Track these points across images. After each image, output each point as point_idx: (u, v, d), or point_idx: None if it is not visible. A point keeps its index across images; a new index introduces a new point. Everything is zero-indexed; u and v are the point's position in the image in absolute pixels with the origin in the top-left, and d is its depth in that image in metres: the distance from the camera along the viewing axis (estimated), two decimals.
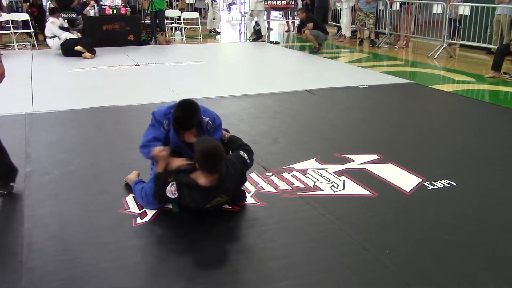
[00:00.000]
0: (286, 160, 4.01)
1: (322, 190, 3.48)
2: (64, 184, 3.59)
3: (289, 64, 9.63)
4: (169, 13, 12.39)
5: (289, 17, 15.41)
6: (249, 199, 3.31)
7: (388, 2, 11.49)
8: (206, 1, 14.53)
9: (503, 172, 3.92)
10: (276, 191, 3.46)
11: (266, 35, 12.82)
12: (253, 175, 3.69)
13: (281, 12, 15.67)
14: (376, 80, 7.40)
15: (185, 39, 12.15)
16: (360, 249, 2.74)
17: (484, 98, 6.77)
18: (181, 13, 12.90)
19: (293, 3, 14.45)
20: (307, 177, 3.69)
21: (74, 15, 11.34)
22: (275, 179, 3.65)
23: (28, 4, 11.51)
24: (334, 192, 3.46)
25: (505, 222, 3.09)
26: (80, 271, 2.51)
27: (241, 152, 3.17)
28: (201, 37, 12.29)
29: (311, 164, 3.95)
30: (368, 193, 3.44)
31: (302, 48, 11.46)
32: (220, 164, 2.91)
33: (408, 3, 11.11)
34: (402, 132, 4.98)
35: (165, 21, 11.96)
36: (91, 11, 10.60)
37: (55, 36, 9.41)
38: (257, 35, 12.85)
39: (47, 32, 9.51)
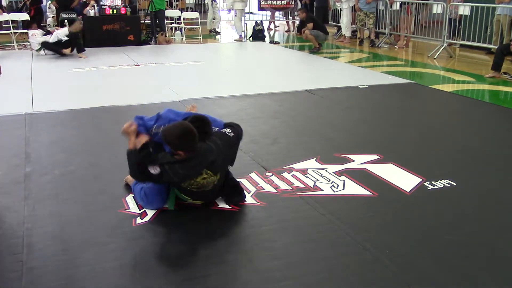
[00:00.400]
0: (286, 160, 4.01)
1: (322, 190, 3.48)
2: (64, 184, 3.59)
3: (289, 64, 9.63)
4: (169, 13, 12.39)
5: (289, 17, 15.40)
6: (249, 199, 3.31)
7: (388, 2, 11.49)
8: (206, 1, 14.52)
9: (503, 172, 3.92)
10: (276, 191, 3.46)
11: (243, 35, 12.86)
12: (253, 175, 3.69)
13: (281, 12, 15.67)
14: (376, 80, 7.40)
15: (185, 39, 12.15)
16: (360, 249, 2.74)
17: (484, 98, 6.77)
18: (181, 13, 12.90)
19: (293, 3, 14.45)
20: (307, 177, 3.69)
21: (74, 15, 11.33)
22: (275, 179, 3.65)
23: (29, 2, 11.53)
24: (334, 192, 3.46)
25: (505, 222, 3.09)
26: (80, 271, 2.51)
27: (223, 130, 3.18)
28: (201, 37, 12.29)
29: (311, 164, 3.95)
30: (368, 193, 3.44)
31: (302, 48, 11.46)
32: (196, 140, 2.89)
33: (408, 3, 11.11)
34: (402, 132, 4.98)
35: (165, 21, 11.96)
36: (91, 11, 10.61)
37: (42, 48, 9.29)
38: (257, 35, 12.85)
39: (34, 46, 9.38)
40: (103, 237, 2.85)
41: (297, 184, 3.57)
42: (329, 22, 13.76)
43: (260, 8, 14.84)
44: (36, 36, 9.29)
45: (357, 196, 3.41)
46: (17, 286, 2.40)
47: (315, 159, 4.05)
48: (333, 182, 3.61)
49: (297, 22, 14.38)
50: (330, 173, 3.76)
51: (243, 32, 12.80)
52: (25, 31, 10.71)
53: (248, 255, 2.73)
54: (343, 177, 3.68)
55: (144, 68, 8.30)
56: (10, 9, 12.49)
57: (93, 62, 8.78)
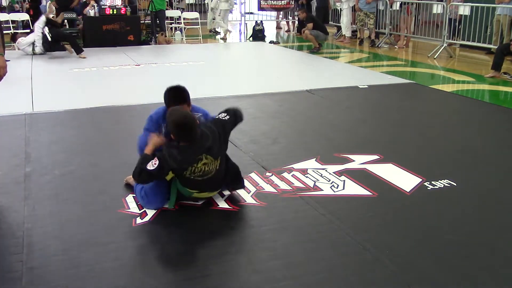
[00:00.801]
0: (286, 160, 4.01)
1: (322, 190, 3.48)
2: (64, 184, 3.59)
3: (289, 64, 9.63)
4: (169, 13, 12.40)
5: (289, 17, 15.41)
6: (249, 199, 3.31)
7: (388, 2, 11.49)
8: (206, 1, 14.53)
9: (503, 172, 3.91)
10: (276, 191, 3.46)
11: (227, 34, 12.95)
12: (253, 175, 3.69)
13: (281, 12, 15.69)
14: (376, 80, 7.40)
15: (185, 39, 12.15)
16: (360, 249, 2.74)
17: (484, 98, 6.77)
18: (181, 13, 12.90)
19: (293, 3, 14.46)
20: (307, 177, 3.69)
21: (74, 15, 11.34)
22: (275, 179, 3.65)
23: (28, 3, 11.53)
24: (334, 192, 3.46)
25: (505, 222, 3.08)
26: (80, 271, 2.51)
27: (218, 115, 3.28)
28: (201, 37, 12.29)
29: (311, 164, 3.95)
30: (368, 193, 3.44)
31: (302, 48, 11.46)
32: (194, 131, 2.97)
33: (408, 3, 11.11)
34: (402, 132, 4.98)
35: (165, 21, 11.96)
36: (91, 11, 10.61)
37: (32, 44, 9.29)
38: (257, 35, 12.85)
39: (26, 50, 9.34)
40: (103, 237, 2.85)
41: (297, 184, 3.57)
42: (329, 22, 13.76)
43: (260, 8, 14.87)
44: (22, 41, 9.30)
45: (357, 196, 3.41)
46: (17, 286, 2.40)
47: (315, 159, 4.05)
48: (333, 182, 3.61)
49: (297, 22, 14.39)
50: (330, 173, 3.76)
51: (228, 32, 12.86)
52: (25, 31, 10.73)
53: (248, 255, 2.73)
54: (343, 177, 3.68)
55: (144, 68, 8.30)
56: (10, 9, 12.49)
57: (93, 62, 8.78)
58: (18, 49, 9.31)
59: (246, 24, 14.88)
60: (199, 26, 12.44)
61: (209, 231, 2.95)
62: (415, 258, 2.66)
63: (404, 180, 3.65)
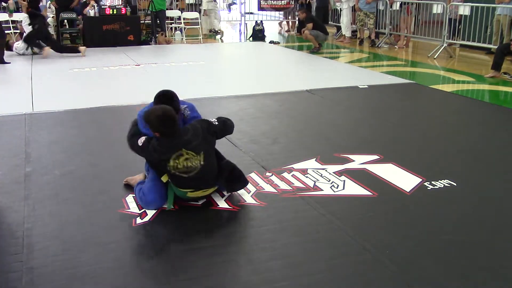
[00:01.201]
0: (286, 160, 4.01)
1: (322, 190, 3.48)
2: (64, 184, 3.59)
3: (289, 64, 9.63)
4: (169, 13, 12.39)
5: (289, 17, 15.41)
6: (249, 199, 3.31)
7: (388, 2, 11.49)
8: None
9: (503, 172, 3.91)
10: (276, 191, 3.46)
11: (220, 33, 13.07)
12: (253, 175, 3.69)
13: (281, 12, 15.68)
14: (376, 80, 7.40)
15: (185, 39, 12.15)
16: (360, 249, 2.74)
17: (484, 98, 6.77)
18: (181, 13, 12.90)
19: (293, 3, 14.45)
20: (307, 177, 3.69)
21: (74, 15, 11.34)
22: (275, 179, 3.65)
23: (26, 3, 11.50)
24: (334, 192, 3.46)
25: (505, 222, 3.08)
26: (80, 271, 2.51)
27: (209, 119, 3.27)
28: (201, 37, 12.29)
29: (311, 164, 3.95)
30: (368, 193, 3.44)
31: (302, 48, 11.46)
32: (175, 123, 3.02)
33: (408, 3, 11.11)
34: (402, 132, 4.98)
35: (165, 21, 11.96)
36: (91, 11, 10.61)
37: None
38: (257, 35, 12.85)
39: (21, 51, 9.37)
40: (103, 237, 2.85)
41: (297, 184, 3.57)
42: (329, 22, 13.76)
43: (260, 8, 14.86)
44: (18, 46, 9.31)
45: (357, 196, 3.41)
46: (17, 286, 2.40)
47: (315, 159, 4.05)
48: (333, 182, 3.61)
49: (297, 22, 14.39)
50: (330, 173, 3.76)
51: (217, 31, 12.93)
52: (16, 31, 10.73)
53: (248, 255, 2.72)
54: (343, 177, 3.68)
55: (144, 68, 8.30)
56: (29, 5, 12.46)
57: (93, 62, 8.78)
58: (18, 54, 9.29)
59: (246, 24, 14.88)
60: (199, 26, 12.44)
61: (209, 231, 2.95)
62: (415, 258, 2.65)
63: (404, 180, 3.65)
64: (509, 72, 7.86)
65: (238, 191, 3.36)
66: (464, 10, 10.07)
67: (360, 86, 6.91)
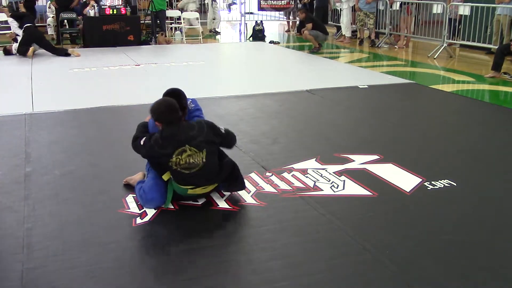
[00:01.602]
0: (286, 160, 4.01)
1: (322, 190, 3.48)
2: (64, 184, 3.59)
3: (289, 64, 9.63)
4: (169, 13, 12.40)
5: (290, 17, 15.41)
6: (249, 199, 3.31)
7: (388, 2, 11.49)
8: (206, 1, 14.54)
9: (503, 172, 3.91)
10: (276, 191, 3.45)
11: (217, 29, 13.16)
12: (253, 175, 3.69)
13: (281, 12, 15.69)
14: (376, 80, 7.40)
15: (185, 39, 12.15)
16: (360, 249, 2.74)
17: (484, 98, 6.77)
18: (181, 13, 12.90)
19: (293, 3, 14.45)
20: (307, 177, 3.69)
21: (74, 15, 11.34)
22: (275, 179, 3.65)
23: (21, 3, 11.51)
24: (334, 192, 3.46)
25: (505, 222, 3.08)
26: (80, 271, 2.51)
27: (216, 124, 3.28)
28: (201, 37, 12.29)
29: (311, 164, 3.95)
30: (368, 193, 3.44)
31: (302, 48, 11.46)
32: (175, 111, 3.04)
33: (408, 3, 11.11)
34: (402, 132, 4.98)
35: (165, 21, 11.97)
36: (91, 11, 10.61)
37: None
38: (257, 35, 12.85)
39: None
40: (103, 237, 2.85)
41: (297, 184, 3.57)
42: (329, 22, 13.76)
43: (260, 8, 14.86)
44: (15, 47, 9.33)
45: (357, 196, 3.41)
46: (17, 286, 2.40)
47: (315, 159, 4.05)
48: (333, 182, 3.61)
49: (297, 22, 14.39)
50: (330, 173, 3.76)
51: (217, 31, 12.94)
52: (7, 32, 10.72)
53: (248, 255, 2.72)
54: (343, 177, 3.68)
55: (144, 68, 8.30)
56: (11, 9, 12.47)
57: (93, 62, 8.78)
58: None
59: (246, 24, 14.88)
60: (199, 26, 12.44)
61: (209, 231, 2.95)
62: (415, 258, 2.65)
63: (404, 180, 3.65)
64: (509, 72, 7.86)
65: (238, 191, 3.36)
66: (464, 10, 10.07)
67: (360, 86, 6.91)
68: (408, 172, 3.78)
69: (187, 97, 3.46)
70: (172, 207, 3.17)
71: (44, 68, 8.28)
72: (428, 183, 3.59)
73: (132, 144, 3.23)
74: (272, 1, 14.23)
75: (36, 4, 12.92)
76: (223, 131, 3.23)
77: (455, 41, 10.62)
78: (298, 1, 14.33)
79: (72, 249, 2.72)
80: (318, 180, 3.64)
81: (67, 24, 11.70)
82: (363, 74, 8.16)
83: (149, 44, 11.22)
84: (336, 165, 3.91)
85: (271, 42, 12.45)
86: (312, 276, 2.49)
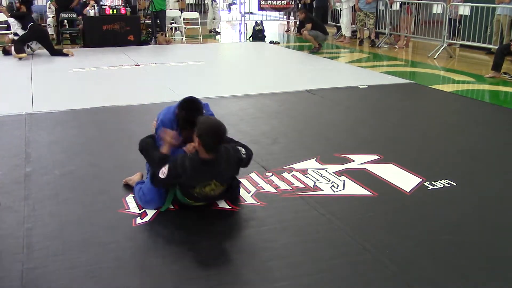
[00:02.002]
0: (286, 160, 4.01)
1: (322, 190, 3.48)
2: (64, 184, 3.59)
3: (289, 64, 9.63)
4: (169, 13, 12.39)
5: (291, 17, 15.41)
6: (249, 199, 3.31)
7: (388, 2, 11.49)
8: (206, 1, 14.54)
9: (503, 172, 3.91)
10: (276, 191, 3.46)
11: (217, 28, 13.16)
12: (253, 175, 3.69)
13: (281, 12, 15.68)
14: (376, 80, 7.40)
15: (185, 39, 12.15)
16: (360, 249, 2.74)
17: (484, 98, 6.77)
18: (181, 13, 12.90)
19: (293, 3, 14.45)
20: (307, 177, 3.69)
21: (74, 15, 11.34)
22: (275, 179, 3.65)
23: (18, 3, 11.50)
24: (334, 192, 3.46)
25: (505, 222, 3.08)
26: (80, 271, 2.51)
27: (239, 147, 3.18)
28: (201, 37, 12.29)
29: (311, 164, 3.95)
30: (368, 193, 3.44)
31: (302, 48, 11.46)
32: (221, 144, 2.94)
33: (408, 3, 11.11)
34: (402, 132, 4.98)
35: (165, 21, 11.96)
36: (91, 11, 10.61)
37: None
38: (257, 35, 12.85)
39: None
40: (103, 237, 2.85)
41: (297, 184, 3.57)
42: (329, 22, 13.76)
43: (260, 8, 14.86)
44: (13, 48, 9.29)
45: (357, 196, 3.41)
46: (17, 286, 2.41)
47: (315, 159, 4.05)
48: (333, 182, 3.61)
49: (298, 22, 14.40)
50: (330, 173, 3.76)
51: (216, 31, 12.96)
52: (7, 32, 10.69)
53: (248, 255, 2.72)
54: (343, 177, 3.68)
55: (144, 68, 8.30)
56: (10, 9, 12.47)
57: (93, 62, 8.78)
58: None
59: (246, 24, 14.88)
60: (199, 26, 12.44)
61: (209, 231, 2.95)
62: (415, 258, 2.66)
63: (404, 180, 3.65)
64: (509, 72, 7.86)
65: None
66: (464, 10, 10.08)
67: (360, 86, 6.91)
68: (408, 172, 3.78)
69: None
70: (172, 207, 3.17)
71: (44, 68, 8.28)
72: (428, 183, 3.60)
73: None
74: (272, 1, 14.23)
75: (35, 4, 12.89)
76: (244, 155, 3.14)
77: (455, 41, 10.62)
78: (298, 1, 14.32)
79: (72, 249, 2.72)
80: (318, 180, 3.64)
81: (67, 24, 11.70)
82: (363, 74, 8.16)
83: (149, 44, 11.22)
84: (336, 165, 3.91)
85: (271, 42, 12.45)
86: (312, 276, 2.50)
